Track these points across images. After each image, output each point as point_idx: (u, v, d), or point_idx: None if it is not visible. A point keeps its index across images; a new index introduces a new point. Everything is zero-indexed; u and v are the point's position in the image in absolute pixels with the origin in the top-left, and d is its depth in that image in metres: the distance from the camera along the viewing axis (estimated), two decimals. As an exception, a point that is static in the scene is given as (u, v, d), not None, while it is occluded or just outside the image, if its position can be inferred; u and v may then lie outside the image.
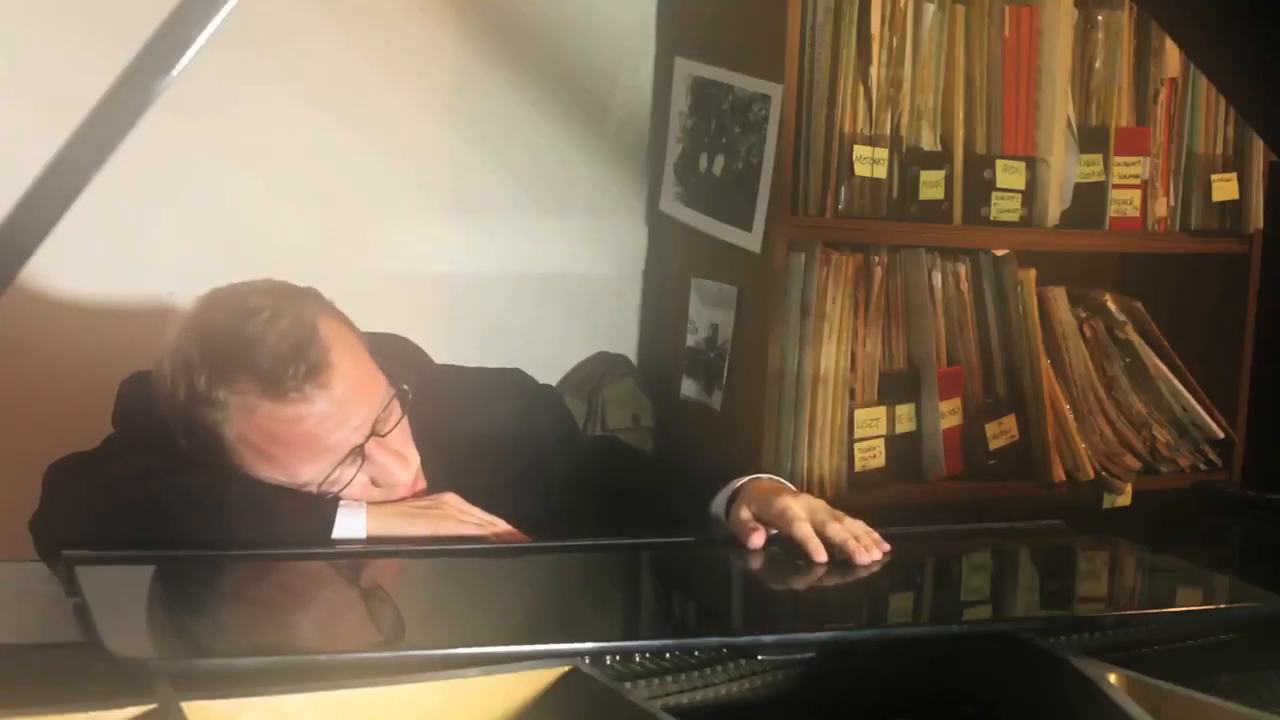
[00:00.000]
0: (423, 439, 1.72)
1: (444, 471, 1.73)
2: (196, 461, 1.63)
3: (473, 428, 1.81)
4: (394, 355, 1.76)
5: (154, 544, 1.51)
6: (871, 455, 2.57)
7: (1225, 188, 2.81)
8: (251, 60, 2.41)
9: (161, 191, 2.41)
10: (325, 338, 1.62)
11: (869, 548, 1.61)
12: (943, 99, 2.60)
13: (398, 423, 1.67)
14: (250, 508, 1.59)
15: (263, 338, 1.59)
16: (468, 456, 1.77)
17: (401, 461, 1.67)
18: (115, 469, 1.62)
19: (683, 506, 1.76)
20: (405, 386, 1.69)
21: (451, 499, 1.68)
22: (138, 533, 1.54)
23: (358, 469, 1.63)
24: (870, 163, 2.51)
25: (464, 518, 1.66)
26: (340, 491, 1.64)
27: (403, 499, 1.68)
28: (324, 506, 1.62)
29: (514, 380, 1.95)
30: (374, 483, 1.66)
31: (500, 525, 1.68)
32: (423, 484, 1.72)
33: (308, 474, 1.62)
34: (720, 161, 2.60)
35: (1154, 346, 2.87)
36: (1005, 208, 2.63)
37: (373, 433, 1.64)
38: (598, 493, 1.83)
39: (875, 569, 1.60)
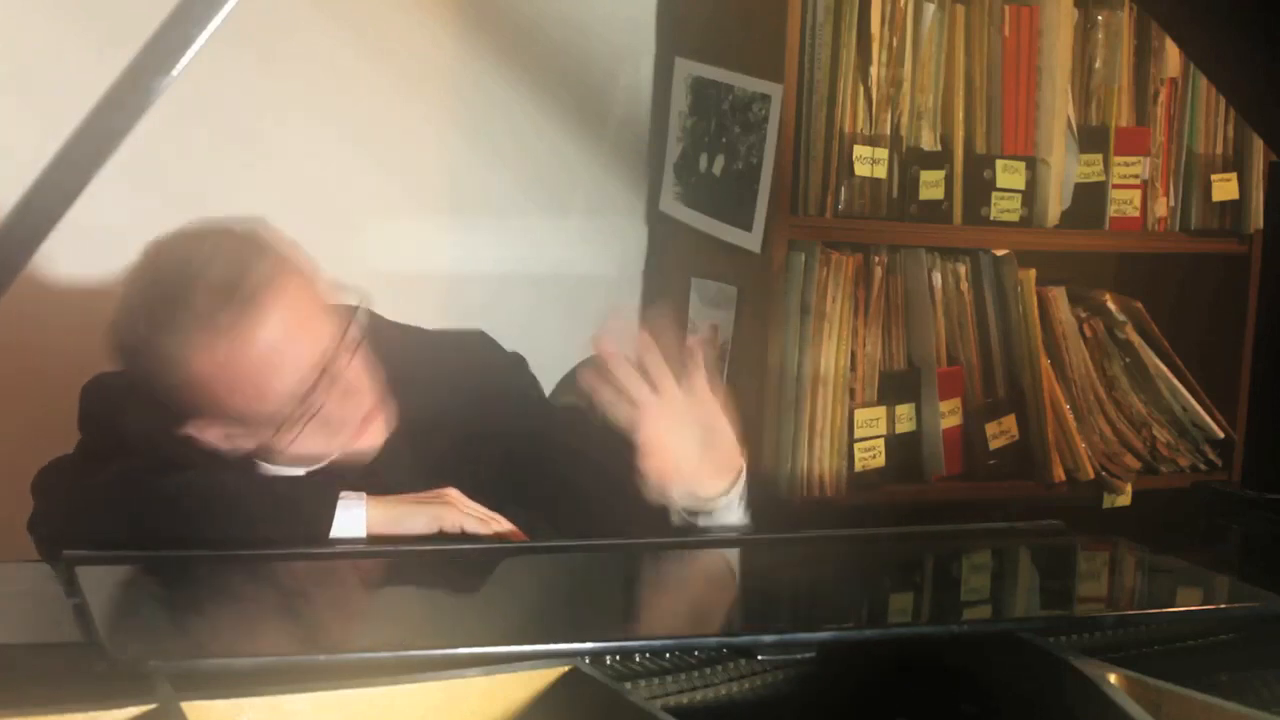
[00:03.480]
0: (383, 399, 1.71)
1: (406, 434, 1.72)
2: (173, 415, 1.63)
3: (433, 390, 1.78)
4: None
5: (154, 544, 1.51)
6: (871, 455, 2.57)
7: (1225, 188, 2.81)
8: (250, 60, 2.41)
9: (160, 191, 2.40)
10: (262, 273, 1.61)
11: None
12: (943, 99, 2.60)
13: (351, 357, 1.65)
14: (248, 501, 1.59)
15: (199, 277, 1.59)
16: (428, 419, 1.75)
17: (355, 397, 1.66)
18: (107, 469, 1.62)
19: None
20: (358, 313, 1.66)
21: (453, 493, 1.68)
22: (134, 531, 1.53)
23: (314, 408, 1.62)
24: (870, 163, 2.51)
25: (466, 508, 1.66)
26: (298, 438, 1.63)
27: (402, 494, 1.67)
28: (323, 498, 1.61)
29: (476, 342, 1.94)
30: (329, 421, 1.64)
31: (502, 522, 1.67)
32: (380, 423, 1.70)
33: (253, 410, 1.61)
34: (720, 161, 2.60)
35: (1154, 346, 2.87)
36: (1005, 208, 2.63)
37: (325, 371, 1.62)
38: (566, 459, 1.82)
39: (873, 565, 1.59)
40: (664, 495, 1.68)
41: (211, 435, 1.65)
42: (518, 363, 1.97)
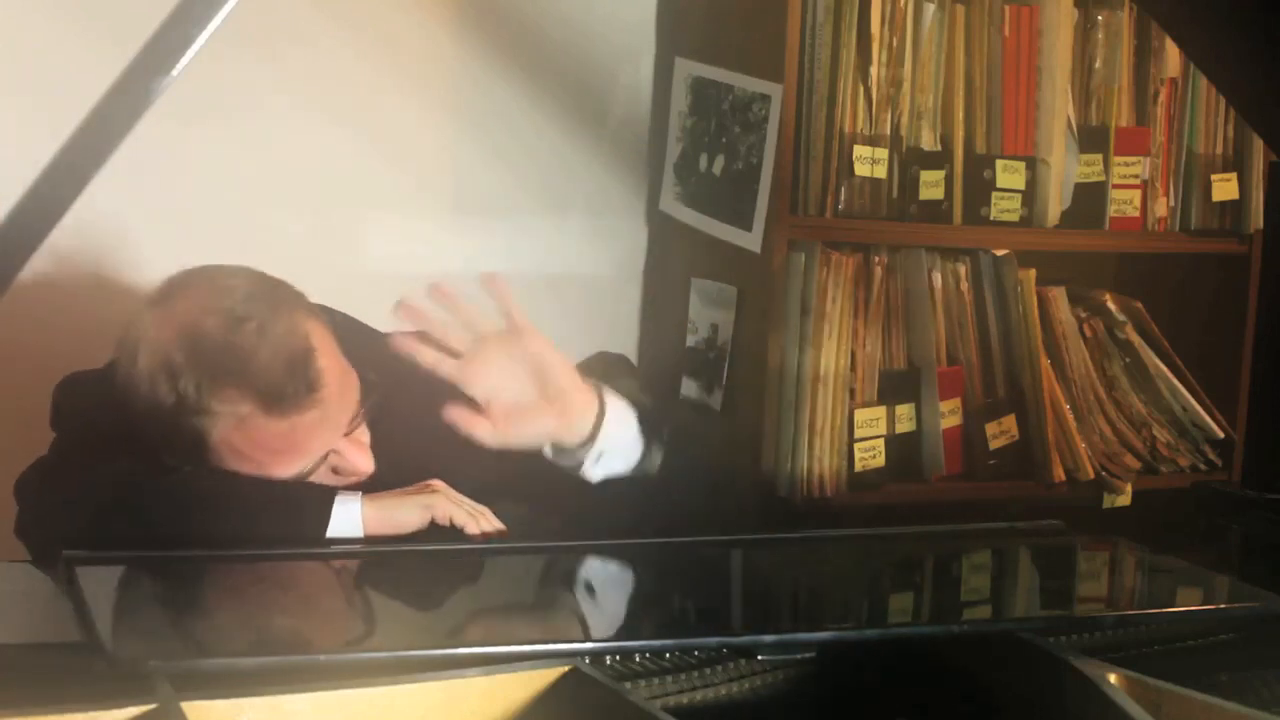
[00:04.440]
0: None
1: (389, 446, 1.73)
2: (172, 453, 1.63)
3: (411, 394, 1.77)
4: (346, 336, 1.74)
5: (154, 544, 1.51)
6: (871, 455, 2.57)
7: (1225, 188, 2.81)
8: (250, 60, 2.41)
9: (159, 191, 2.41)
10: (314, 347, 1.61)
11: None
12: (943, 99, 2.59)
13: (364, 417, 1.67)
14: (246, 500, 1.59)
15: (255, 352, 1.57)
16: (408, 423, 1.75)
17: (363, 451, 1.67)
18: (104, 469, 1.61)
19: None
20: (372, 376, 1.67)
21: (439, 484, 1.68)
22: (130, 530, 1.53)
23: (326, 462, 1.65)
24: (870, 163, 2.51)
25: (454, 498, 1.67)
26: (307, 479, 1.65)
27: (391, 490, 1.67)
28: (321, 497, 1.61)
29: None
30: (335, 471, 1.66)
31: (489, 515, 1.68)
32: (371, 458, 1.71)
33: (281, 474, 1.63)
34: (720, 161, 2.60)
35: (1154, 346, 2.86)
36: (1005, 208, 2.63)
37: (348, 436, 1.65)
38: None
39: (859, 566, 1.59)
40: (509, 444, 1.66)
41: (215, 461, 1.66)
42: None
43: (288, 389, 1.57)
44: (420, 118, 2.61)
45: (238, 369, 1.57)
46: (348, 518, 1.61)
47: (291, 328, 1.61)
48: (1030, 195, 2.65)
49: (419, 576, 1.58)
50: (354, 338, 1.76)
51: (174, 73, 1.12)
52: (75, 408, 1.74)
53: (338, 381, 1.63)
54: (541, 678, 1.19)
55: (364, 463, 1.68)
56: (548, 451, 1.71)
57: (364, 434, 1.69)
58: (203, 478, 1.62)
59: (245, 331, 1.58)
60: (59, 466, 1.68)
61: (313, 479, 1.65)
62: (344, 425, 1.64)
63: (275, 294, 1.64)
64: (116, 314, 2.38)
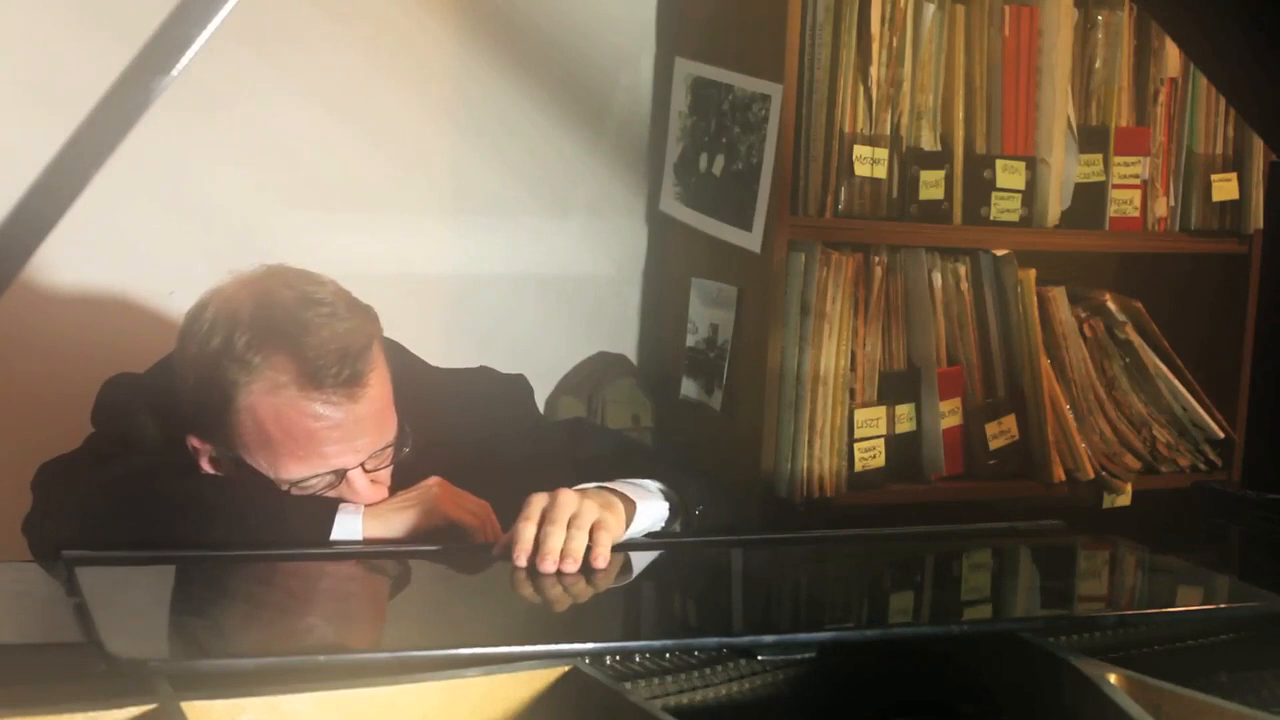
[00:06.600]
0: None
1: (412, 468, 1.73)
2: (186, 419, 1.64)
3: (436, 434, 1.79)
4: (406, 377, 1.76)
5: (154, 544, 1.52)
6: (871, 455, 2.57)
7: (1225, 188, 2.81)
8: (252, 60, 2.41)
9: (161, 191, 2.41)
10: (372, 357, 1.64)
11: (555, 562, 1.51)
12: (943, 99, 2.59)
13: (387, 468, 1.68)
14: (248, 509, 1.59)
15: (318, 329, 1.61)
16: (431, 461, 1.77)
17: (375, 494, 1.68)
18: (113, 469, 1.62)
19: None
20: (406, 448, 1.69)
21: (438, 481, 1.68)
22: (134, 533, 1.54)
23: (332, 485, 1.64)
24: (870, 163, 2.51)
25: (455, 496, 1.67)
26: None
27: (391, 498, 1.68)
28: (323, 509, 1.62)
29: (478, 381, 1.95)
30: (340, 497, 1.67)
31: (487, 509, 1.68)
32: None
33: (289, 472, 1.63)
34: (720, 161, 2.60)
35: (1154, 346, 2.87)
36: (1005, 208, 2.63)
37: (363, 464, 1.65)
38: (569, 473, 1.82)
39: (854, 570, 1.59)
40: None
41: (224, 465, 1.66)
42: (517, 393, 1.97)
43: (330, 370, 1.59)
44: (421, 118, 2.61)
45: (294, 338, 1.60)
46: (349, 529, 1.61)
47: (359, 329, 1.64)
48: (1030, 195, 2.65)
49: (419, 577, 1.58)
50: (412, 377, 1.78)
51: (174, 73, 1.12)
52: (114, 406, 1.75)
53: (378, 407, 1.65)
54: (541, 678, 1.19)
55: (366, 487, 1.67)
56: None
57: (385, 478, 1.70)
58: (209, 482, 1.62)
59: (316, 312, 1.62)
60: (81, 462, 1.69)
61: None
62: (363, 455, 1.64)
63: (357, 304, 1.69)
64: (116, 311, 2.39)
